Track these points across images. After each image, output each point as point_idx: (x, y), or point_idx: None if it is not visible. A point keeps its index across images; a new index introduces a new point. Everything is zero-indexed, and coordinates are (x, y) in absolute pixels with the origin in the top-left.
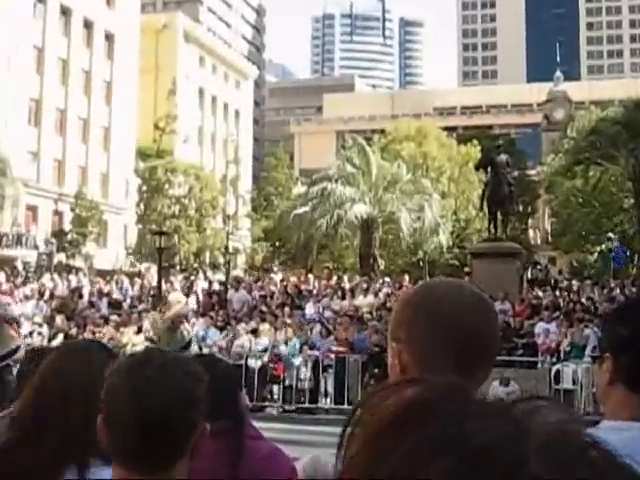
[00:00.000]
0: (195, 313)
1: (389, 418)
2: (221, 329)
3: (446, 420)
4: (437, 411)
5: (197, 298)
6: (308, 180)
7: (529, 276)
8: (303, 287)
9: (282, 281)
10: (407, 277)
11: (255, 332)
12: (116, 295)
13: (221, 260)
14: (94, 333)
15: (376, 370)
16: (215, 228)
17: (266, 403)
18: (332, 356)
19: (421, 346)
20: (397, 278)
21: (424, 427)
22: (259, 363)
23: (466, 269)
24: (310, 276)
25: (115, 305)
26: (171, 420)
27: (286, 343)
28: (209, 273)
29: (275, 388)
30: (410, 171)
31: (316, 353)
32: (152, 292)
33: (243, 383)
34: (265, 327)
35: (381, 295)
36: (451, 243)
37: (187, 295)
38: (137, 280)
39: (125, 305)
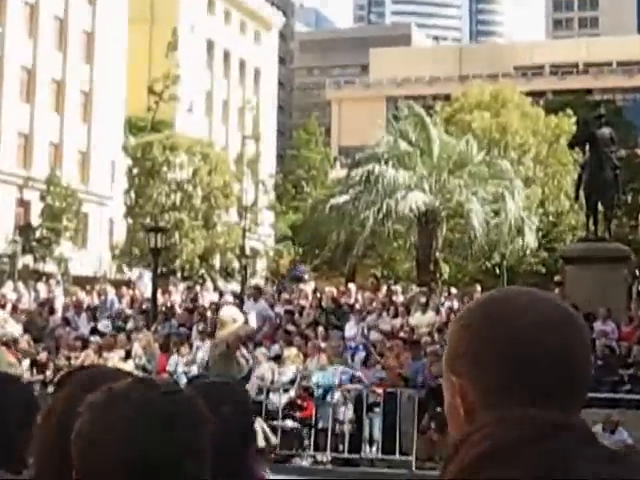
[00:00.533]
0: (200, 334)
1: (488, 452)
2: None
3: (552, 460)
4: (544, 447)
5: (203, 314)
6: (349, 161)
7: None
8: (342, 301)
9: (315, 292)
10: (479, 288)
11: (279, 359)
12: (99, 310)
13: (235, 265)
14: (69, 359)
15: (438, 409)
16: (228, 223)
17: (293, 451)
18: (380, 391)
19: (491, 382)
20: (466, 290)
21: (526, 466)
22: (284, 399)
23: (556, 278)
24: (351, 286)
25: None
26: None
27: (320, 373)
28: (220, 282)
29: (305, 432)
30: (483, 149)
31: (359, 387)
32: (145, 306)
33: (262, 425)
34: (292, 352)
35: (444, 312)
36: (537, 244)
37: (190, 312)
38: (126, 291)
39: (108, 324)
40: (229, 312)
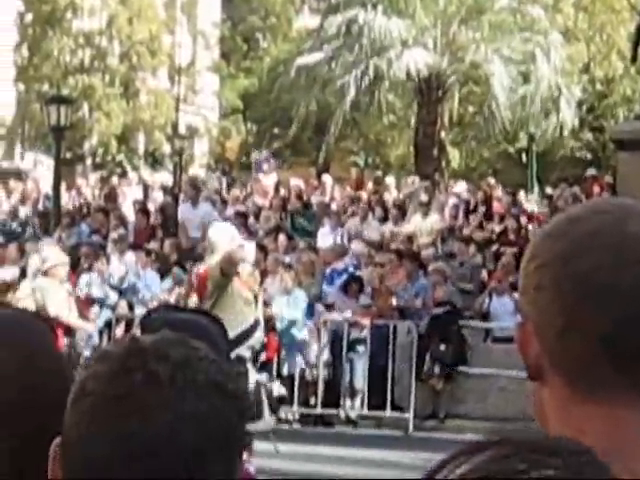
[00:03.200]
0: (118, 243)
1: None
2: (164, 273)
3: None
4: None
5: (120, 217)
6: (323, 5)
7: None
8: (313, 199)
9: (277, 188)
10: (494, 181)
11: None
12: None
13: (166, 149)
14: None
15: (442, 347)
16: (155, 91)
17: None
18: (365, 322)
19: (557, 334)
20: (480, 183)
21: None
22: (233, 335)
23: (590, 171)
24: (326, 178)
25: None
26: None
27: (283, 299)
28: (144, 172)
29: (264, 378)
30: None
31: (337, 318)
32: (43, 205)
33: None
34: (245, 270)
35: (449, 212)
36: (579, 121)
37: (106, 213)
38: (15, 184)
39: None
40: (220, 231)
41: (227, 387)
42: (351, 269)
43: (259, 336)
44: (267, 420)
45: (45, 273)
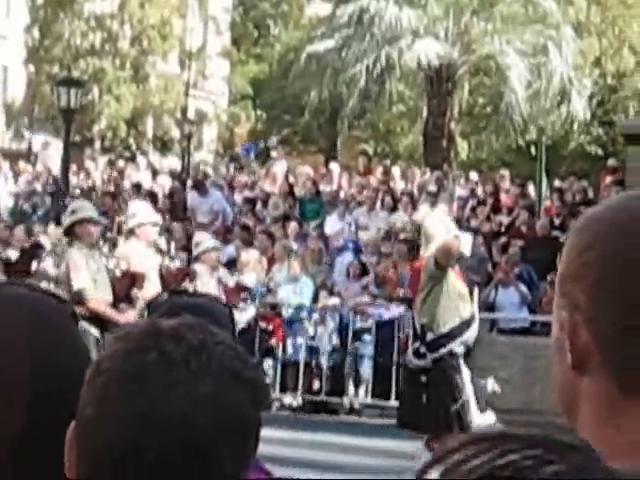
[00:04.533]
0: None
1: None
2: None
3: None
4: None
5: (127, 201)
6: None
7: None
8: (321, 187)
9: (287, 175)
10: (507, 172)
11: (233, 265)
12: None
13: (175, 133)
14: None
15: None
16: (166, 75)
17: None
18: (372, 312)
19: (617, 333)
20: (490, 175)
21: None
22: (243, 319)
23: (610, 162)
24: (334, 166)
25: None
26: (206, 456)
27: (290, 286)
28: (153, 156)
29: (269, 364)
30: None
31: (342, 306)
32: (54, 187)
33: None
34: (252, 256)
35: (457, 203)
36: (589, 115)
37: (113, 196)
38: (25, 166)
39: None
40: (440, 223)
41: (242, 374)
42: (350, 245)
43: (472, 332)
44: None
45: (197, 259)
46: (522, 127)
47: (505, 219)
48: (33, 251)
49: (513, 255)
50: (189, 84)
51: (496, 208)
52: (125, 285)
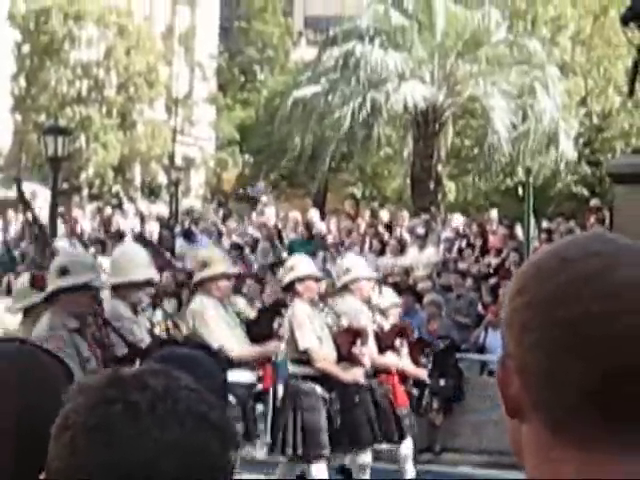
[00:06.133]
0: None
1: None
2: (157, 304)
3: None
4: None
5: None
6: (320, 37)
7: None
8: (314, 230)
9: (276, 224)
10: (495, 213)
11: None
12: None
13: (162, 180)
14: None
15: (442, 382)
16: (152, 122)
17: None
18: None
19: (541, 378)
20: (477, 216)
21: None
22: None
23: (593, 202)
24: (313, 213)
25: None
26: None
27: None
28: (141, 203)
29: (260, 411)
30: (505, 20)
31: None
32: (37, 233)
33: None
34: (240, 303)
35: (444, 247)
36: (576, 155)
37: (102, 243)
38: (14, 214)
39: None
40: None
41: (209, 416)
42: None
43: None
44: None
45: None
46: (509, 168)
47: (494, 260)
48: None
49: (504, 296)
50: (176, 130)
51: (484, 250)
52: (347, 341)
